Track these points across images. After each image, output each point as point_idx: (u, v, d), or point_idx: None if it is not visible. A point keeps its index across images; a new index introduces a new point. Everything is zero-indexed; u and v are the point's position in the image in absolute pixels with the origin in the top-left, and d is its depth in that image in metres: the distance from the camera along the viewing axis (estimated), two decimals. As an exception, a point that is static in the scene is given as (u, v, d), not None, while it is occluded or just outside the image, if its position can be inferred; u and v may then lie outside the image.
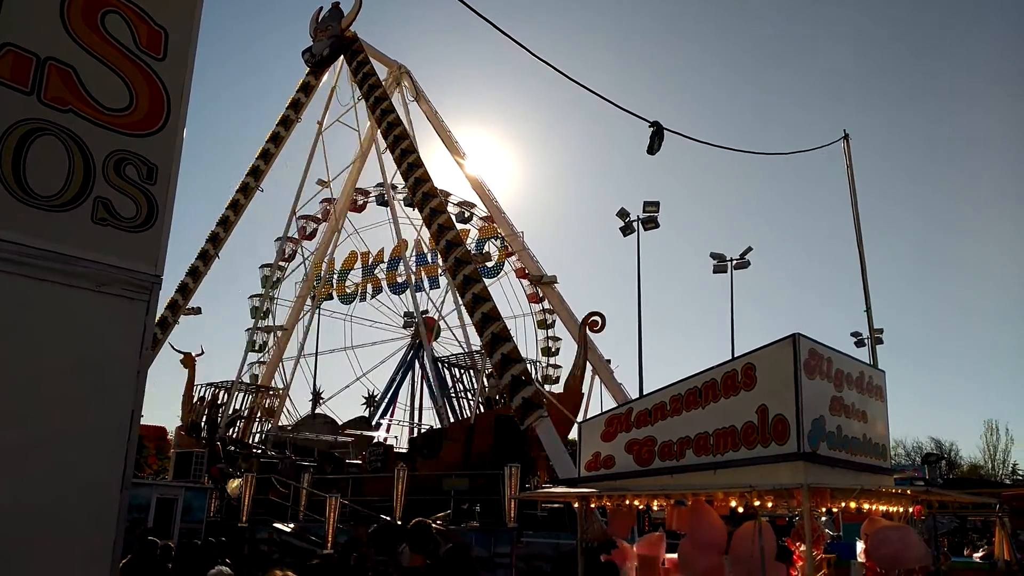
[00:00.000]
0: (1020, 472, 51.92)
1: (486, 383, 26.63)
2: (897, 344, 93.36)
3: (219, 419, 31.65)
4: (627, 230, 29.91)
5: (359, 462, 26.45)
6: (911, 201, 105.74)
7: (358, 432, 33.04)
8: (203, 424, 31.29)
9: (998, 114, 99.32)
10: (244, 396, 34.79)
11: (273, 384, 39.89)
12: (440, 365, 37.85)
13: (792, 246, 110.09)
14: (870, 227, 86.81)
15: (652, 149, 20.09)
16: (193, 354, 33.32)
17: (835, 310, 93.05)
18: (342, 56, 33.26)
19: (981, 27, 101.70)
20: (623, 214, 29.97)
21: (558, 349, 41.40)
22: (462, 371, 36.48)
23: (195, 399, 32.56)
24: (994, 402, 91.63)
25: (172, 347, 33.52)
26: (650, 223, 29.84)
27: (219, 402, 32.91)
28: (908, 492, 10.16)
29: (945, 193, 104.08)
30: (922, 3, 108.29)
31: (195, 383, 33.04)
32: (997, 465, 56.72)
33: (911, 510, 10.44)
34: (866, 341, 20.65)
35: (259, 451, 28.75)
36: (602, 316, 22.39)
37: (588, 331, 23.06)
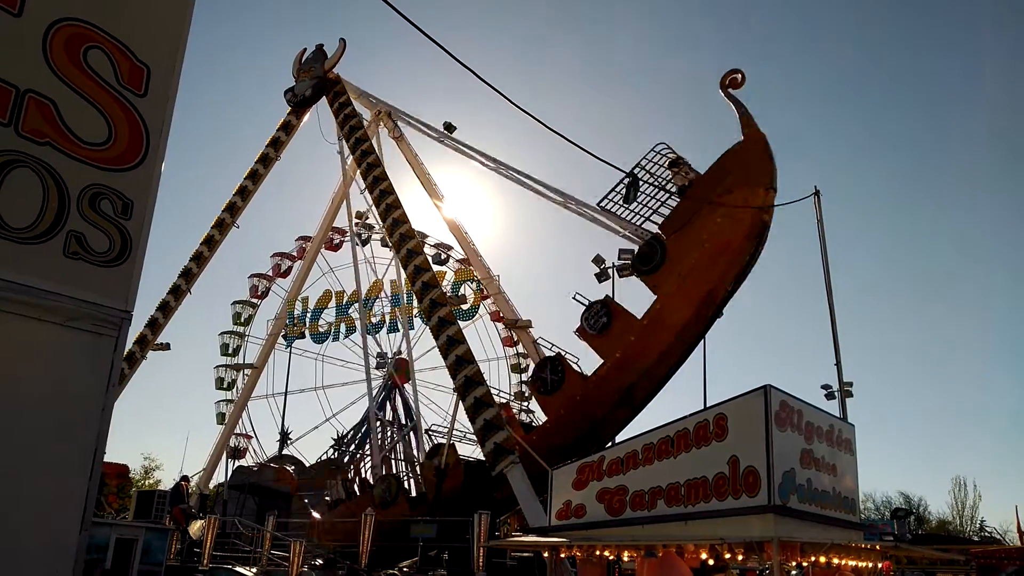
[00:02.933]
0: (988, 529, 52.13)
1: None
2: (867, 397, 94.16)
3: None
4: (602, 277, 30.04)
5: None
6: (882, 255, 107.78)
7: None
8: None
9: (969, 166, 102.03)
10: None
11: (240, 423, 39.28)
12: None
13: (765, 297, 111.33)
14: (841, 279, 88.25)
15: (628, 199, 20.34)
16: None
17: (806, 362, 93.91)
18: (324, 97, 33.51)
19: (959, 53, 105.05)
20: (598, 260, 30.12)
21: (531, 394, 41.16)
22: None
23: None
24: (963, 458, 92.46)
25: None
26: (625, 271, 30.03)
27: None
28: (878, 547, 10.17)
29: (917, 248, 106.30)
30: (893, 54, 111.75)
31: None
32: (965, 521, 56.95)
33: (880, 565, 10.43)
34: (836, 394, 20.76)
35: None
36: (742, 72, 20.36)
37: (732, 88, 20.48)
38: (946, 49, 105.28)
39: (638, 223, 22.20)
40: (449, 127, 32.80)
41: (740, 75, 20.17)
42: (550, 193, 27.47)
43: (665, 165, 21.41)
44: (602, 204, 22.97)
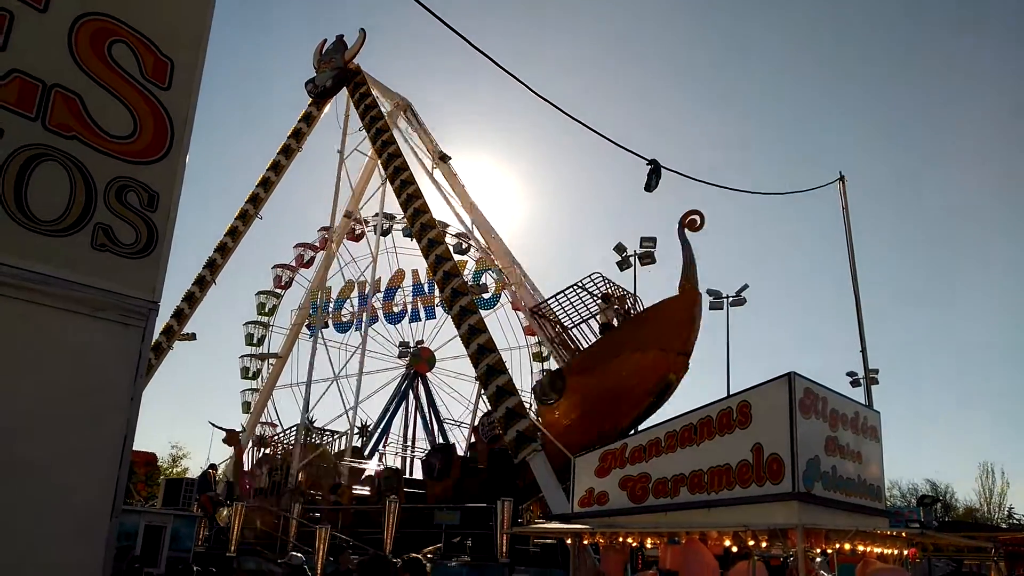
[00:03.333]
0: (1016, 516, 51.55)
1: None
2: (893, 385, 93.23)
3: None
4: (624, 265, 29.99)
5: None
6: (908, 240, 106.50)
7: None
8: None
9: (995, 142, 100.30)
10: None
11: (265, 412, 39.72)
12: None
13: (788, 284, 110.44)
14: (867, 265, 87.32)
15: (650, 186, 20.16)
16: (237, 432, 32.06)
17: (831, 349, 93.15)
18: (344, 88, 33.57)
19: (975, 55, 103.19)
20: (620, 249, 30.08)
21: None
22: None
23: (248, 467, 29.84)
24: (990, 445, 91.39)
25: (213, 425, 32.63)
26: (647, 259, 29.93)
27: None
28: (903, 534, 10.10)
29: (942, 233, 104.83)
30: (920, 34, 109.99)
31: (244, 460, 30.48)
32: (993, 508, 56.34)
33: (906, 553, 10.36)
34: (861, 381, 20.62)
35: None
36: (701, 215, 18.81)
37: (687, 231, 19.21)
38: (974, 27, 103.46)
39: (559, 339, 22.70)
40: (444, 157, 33.18)
41: (699, 217, 18.82)
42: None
43: (598, 296, 21.49)
44: (534, 308, 23.33)
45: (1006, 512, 54.35)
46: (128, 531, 18.22)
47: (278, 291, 42.42)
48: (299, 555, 15.06)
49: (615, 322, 21.01)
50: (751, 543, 9.01)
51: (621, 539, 10.56)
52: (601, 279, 21.44)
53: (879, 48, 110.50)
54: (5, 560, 2.90)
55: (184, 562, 17.89)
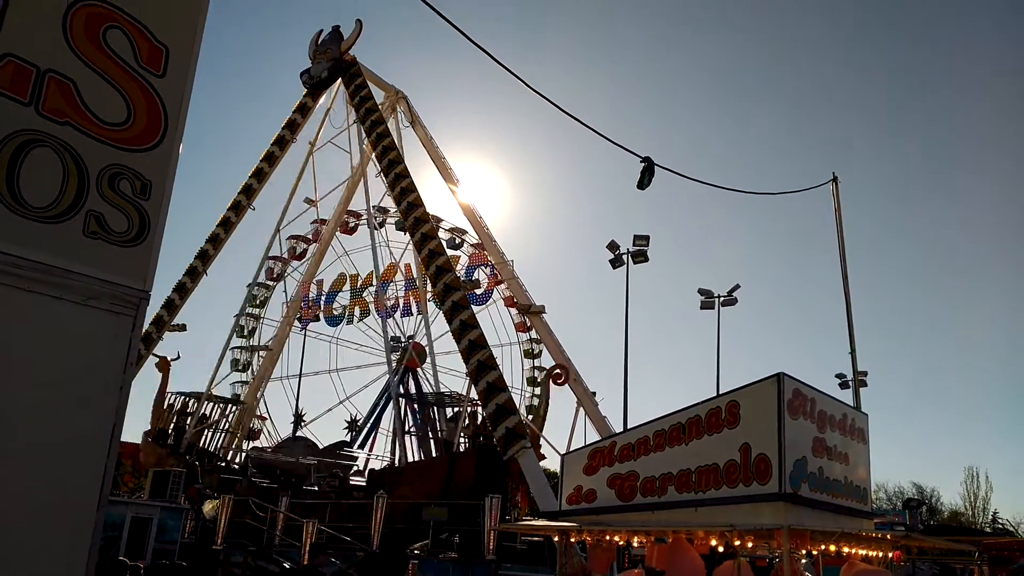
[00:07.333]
0: (1000, 520, 51.94)
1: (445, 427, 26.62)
2: (881, 387, 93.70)
3: (187, 426, 31.68)
4: (616, 263, 29.98)
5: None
6: (900, 243, 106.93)
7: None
8: (171, 432, 31.43)
9: (989, 147, 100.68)
10: (214, 407, 35.08)
11: (255, 405, 39.60)
12: (422, 404, 37.89)
13: (780, 285, 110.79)
14: (859, 266, 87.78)
15: (642, 184, 20.13)
16: (168, 358, 33.50)
17: (820, 350, 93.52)
18: (340, 79, 33.49)
19: (976, 48, 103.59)
20: (613, 247, 30.06)
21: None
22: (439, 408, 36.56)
23: (165, 405, 32.77)
24: (975, 449, 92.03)
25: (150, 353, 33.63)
26: (639, 257, 29.94)
27: (188, 411, 33.15)
28: (888, 537, 10.14)
29: (932, 238, 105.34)
30: (915, 33, 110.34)
31: (168, 390, 33.30)
32: (978, 513, 56.71)
33: (891, 555, 10.42)
34: (850, 383, 20.68)
35: (222, 465, 28.72)
36: (567, 370, 23.09)
37: (553, 383, 24.13)
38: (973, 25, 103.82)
39: None
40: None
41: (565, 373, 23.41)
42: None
43: None
44: None
45: (990, 517, 54.72)
46: (115, 522, 18.14)
47: (269, 283, 42.27)
48: None
49: None
50: (737, 543, 9.04)
51: (608, 537, 10.58)
52: None
53: (875, 44, 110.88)
54: (-9, 547, 2.88)
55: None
